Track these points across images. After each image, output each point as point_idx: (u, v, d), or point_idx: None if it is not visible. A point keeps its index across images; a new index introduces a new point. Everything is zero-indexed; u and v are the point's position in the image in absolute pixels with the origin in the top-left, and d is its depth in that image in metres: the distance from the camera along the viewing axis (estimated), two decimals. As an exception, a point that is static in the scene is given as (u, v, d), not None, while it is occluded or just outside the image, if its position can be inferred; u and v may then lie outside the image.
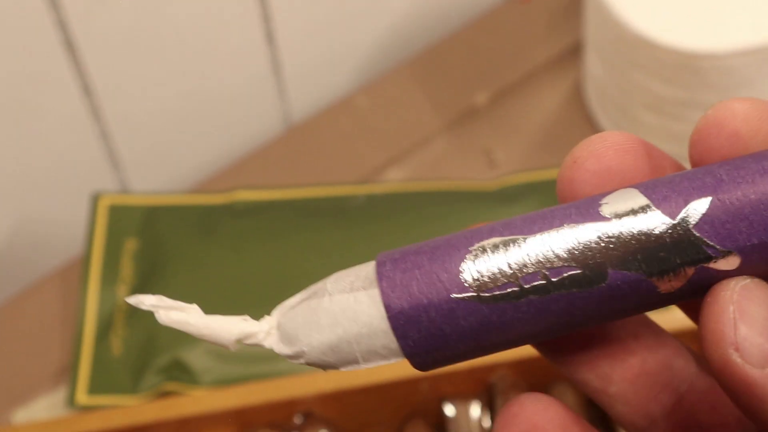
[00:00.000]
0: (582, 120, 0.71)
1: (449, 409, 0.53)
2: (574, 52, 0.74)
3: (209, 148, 0.77)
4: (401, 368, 0.52)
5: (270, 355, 0.60)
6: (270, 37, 0.72)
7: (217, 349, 0.60)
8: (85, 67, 0.67)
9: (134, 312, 0.62)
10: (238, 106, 0.76)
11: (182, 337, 0.61)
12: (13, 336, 0.64)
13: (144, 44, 0.69)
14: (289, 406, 0.53)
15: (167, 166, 0.76)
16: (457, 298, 0.22)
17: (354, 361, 0.23)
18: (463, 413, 0.53)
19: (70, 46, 0.65)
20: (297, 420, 0.53)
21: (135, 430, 0.53)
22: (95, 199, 0.67)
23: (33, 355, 0.63)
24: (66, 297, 0.65)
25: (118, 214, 0.67)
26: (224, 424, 0.53)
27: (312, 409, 0.53)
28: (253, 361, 0.60)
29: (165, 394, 0.60)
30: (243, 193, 0.67)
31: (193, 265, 0.63)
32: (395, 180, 0.70)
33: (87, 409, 0.59)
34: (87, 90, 0.69)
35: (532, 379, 0.52)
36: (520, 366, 0.52)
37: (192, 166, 0.77)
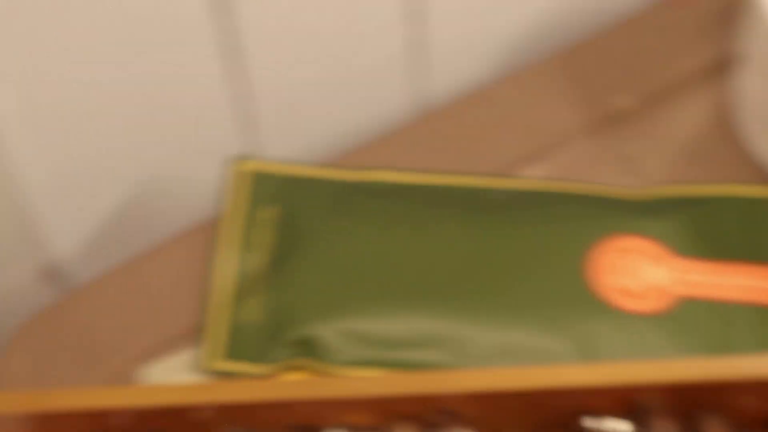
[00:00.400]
0: (730, 138, 0.70)
1: (590, 422, 0.53)
2: (724, 64, 0.72)
3: (343, 123, 0.77)
4: (549, 375, 0.52)
5: (403, 342, 0.60)
6: (419, 15, 0.72)
7: (351, 329, 0.60)
8: (237, 28, 0.67)
9: (273, 280, 0.62)
10: (377, 83, 0.75)
11: (317, 312, 0.61)
12: (142, 292, 0.64)
13: (298, 10, 0.68)
14: (431, 401, 0.53)
15: (299, 137, 0.76)
16: None
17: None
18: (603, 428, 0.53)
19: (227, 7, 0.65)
20: (437, 416, 0.53)
21: (272, 406, 0.53)
22: (235, 163, 0.67)
23: (162, 314, 0.63)
24: (197, 258, 0.65)
25: (257, 179, 0.66)
26: (364, 410, 0.53)
27: (453, 406, 0.53)
28: (386, 346, 0.60)
29: (295, 369, 0.60)
30: (380, 173, 0.67)
31: (329, 240, 0.63)
32: (532, 177, 0.69)
33: (219, 374, 0.60)
34: (235, 51, 0.68)
35: (680, 405, 0.52)
36: (668, 389, 0.52)
37: (324, 139, 0.77)
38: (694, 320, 0.61)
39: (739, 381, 0.51)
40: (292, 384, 0.53)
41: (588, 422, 0.54)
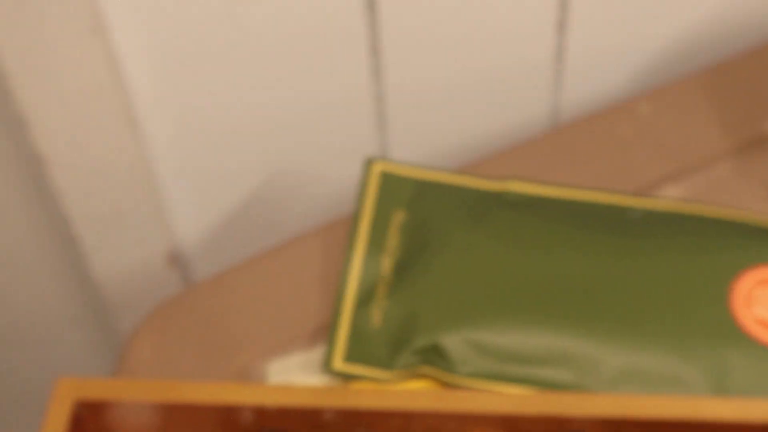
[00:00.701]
0: None
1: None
2: None
3: (473, 130, 0.75)
4: (688, 407, 0.50)
5: (529, 358, 0.59)
6: (563, 24, 0.70)
7: (476, 341, 0.59)
8: (379, 27, 0.66)
9: (398, 285, 0.61)
10: (514, 91, 0.74)
11: (442, 321, 0.60)
12: (272, 286, 0.64)
13: (439, 14, 0.67)
14: (560, 422, 0.51)
15: (429, 141, 0.75)
16: None
17: None
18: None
19: (371, 5, 0.64)
20: (566, 438, 0.52)
21: (398, 414, 0.52)
22: (369, 164, 0.66)
23: (290, 309, 0.63)
24: (326, 255, 0.65)
25: (389, 182, 0.66)
26: (490, 426, 0.52)
27: (581, 429, 0.52)
28: (511, 361, 0.59)
29: (417, 377, 0.59)
30: (515, 183, 0.66)
31: (459, 249, 0.62)
32: (673, 197, 0.67)
33: (339, 375, 0.59)
34: (375, 50, 0.68)
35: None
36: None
37: (453, 145, 0.76)
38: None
39: None
40: (419, 394, 0.52)
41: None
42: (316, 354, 0.61)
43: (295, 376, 0.60)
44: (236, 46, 0.64)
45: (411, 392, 0.52)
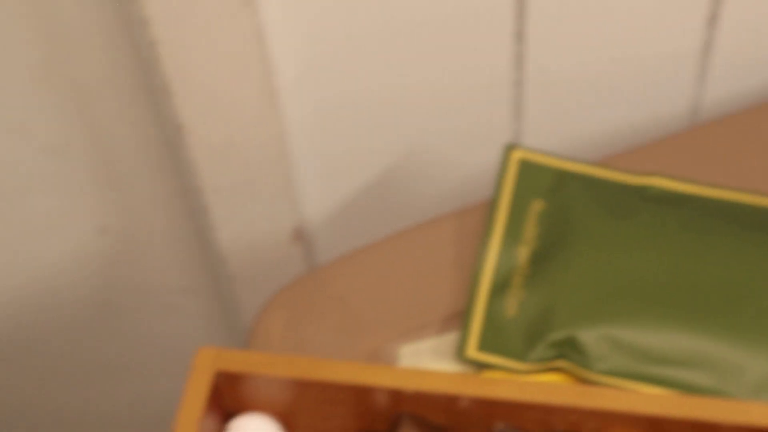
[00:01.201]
0: None
1: None
2: None
3: (610, 123, 0.74)
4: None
5: (670, 358, 0.58)
6: (712, 18, 0.68)
7: (615, 338, 0.58)
8: (527, 13, 0.65)
9: (535, 276, 0.60)
10: (652, 86, 0.72)
11: (580, 316, 0.59)
12: (404, 268, 0.63)
13: (588, 1, 0.66)
14: (706, 429, 0.50)
15: (563, 132, 0.74)
16: None
17: None
18: None
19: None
20: (711, 444, 0.50)
21: (541, 408, 0.51)
22: (508, 150, 0.65)
23: (422, 293, 0.62)
24: (460, 241, 0.64)
25: (528, 170, 0.64)
26: (633, 427, 0.51)
27: (728, 436, 0.50)
28: (651, 360, 0.58)
29: (551, 371, 0.58)
30: (657, 179, 0.64)
31: (599, 242, 0.61)
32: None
33: (471, 363, 0.58)
34: (519, 36, 0.66)
35: None
36: None
37: (588, 137, 0.74)
38: None
39: None
40: (561, 388, 0.51)
41: None
42: (448, 340, 0.60)
43: (426, 362, 0.60)
44: (380, 27, 0.64)
45: (552, 386, 0.51)
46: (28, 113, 0.70)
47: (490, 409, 0.52)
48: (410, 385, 0.52)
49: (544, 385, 0.51)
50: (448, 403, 0.52)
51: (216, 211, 0.72)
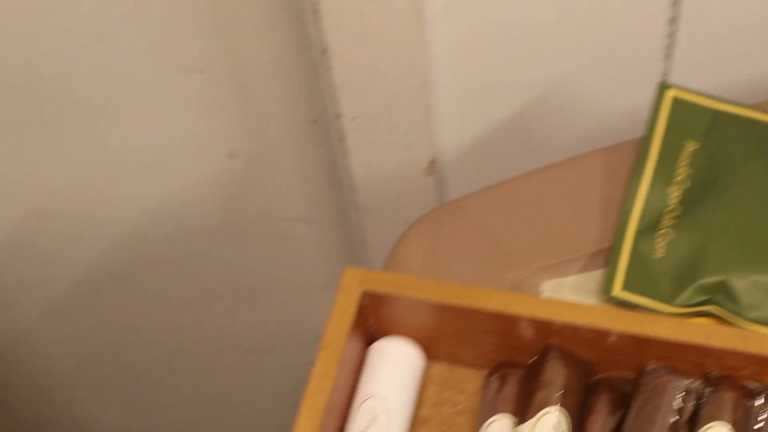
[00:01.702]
0: None
1: None
2: None
3: (765, 66, 0.71)
4: None
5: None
6: None
7: (768, 285, 0.56)
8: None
9: (685, 217, 0.59)
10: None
11: (732, 261, 0.57)
12: (549, 202, 0.62)
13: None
14: None
15: (715, 74, 0.71)
16: None
17: None
18: None
19: None
20: None
21: (698, 349, 0.49)
22: (662, 89, 0.63)
23: (567, 229, 0.61)
24: (609, 177, 0.63)
25: (682, 109, 0.62)
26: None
27: None
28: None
29: (701, 315, 0.57)
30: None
31: (754, 185, 0.59)
32: None
33: (616, 301, 0.57)
34: (680, -29, 0.64)
35: None
36: None
37: (739, 82, 0.72)
38: None
39: None
40: (721, 330, 0.50)
41: None
42: (592, 278, 0.59)
43: (568, 298, 0.58)
44: (539, -47, 0.62)
45: (711, 327, 0.50)
46: (169, 33, 0.70)
47: (642, 347, 0.50)
48: (560, 316, 0.51)
49: (701, 326, 0.50)
50: (598, 337, 0.51)
51: (352, 138, 0.72)
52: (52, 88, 0.73)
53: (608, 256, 0.59)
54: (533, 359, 0.51)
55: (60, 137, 0.77)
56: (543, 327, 0.51)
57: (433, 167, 0.74)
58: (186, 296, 0.93)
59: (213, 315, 0.95)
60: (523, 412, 0.50)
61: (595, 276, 0.59)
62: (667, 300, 0.57)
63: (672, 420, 0.49)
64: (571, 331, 0.51)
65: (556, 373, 0.49)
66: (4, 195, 0.82)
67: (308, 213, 0.84)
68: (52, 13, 0.68)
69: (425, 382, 0.55)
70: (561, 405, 0.49)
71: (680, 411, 0.49)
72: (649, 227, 0.59)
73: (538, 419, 0.49)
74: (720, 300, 0.56)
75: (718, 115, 0.62)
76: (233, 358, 1.01)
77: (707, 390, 0.49)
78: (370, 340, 0.54)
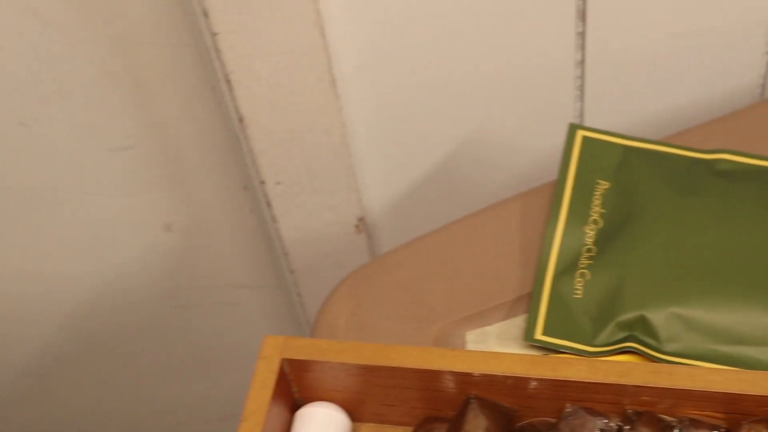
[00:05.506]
0: None
1: None
2: None
3: (676, 101, 0.72)
4: None
5: (743, 337, 0.56)
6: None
7: (686, 316, 0.57)
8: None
9: (601, 256, 0.59)
10: (720, 61, 0.70)
11: (651, 294, 0.57)
12: (468, 253, 0.63)
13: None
14: (784, 404, 0.49)
15: (628, 111, 0.73)
16: None
17: None
18: None
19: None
20: (790, 421, 0.49)
21: (613, 388, 0.50)
22: (572, 129, 0.64)
23: (487, 278, 0.62)
24: (525, 222, 0.63)
25: (593, 148, 0.63)
26: (710, 405, 0.50)
27: (808, 413, 0.49)
28: (723, 340, 0.56)
29: (621, 353, 0.57)
30: (726, 154, 0.62)
31: (667, 219, 0.60)
32: None
33: (543, 347, 0.58)
34: (581, 14, 0.66)
35: None
36: None
37: (652, 115, 0.73)
38: None
39: None
40: (633, 367, 0.50)
41: None
42: (515, 324, 0.59)
43: (493, 347, 0.59)
44: (441, 12, 0.63)
45: (624, 365, 0.50)
46: (93, 113, 0.71)
47: (560, 391, 0.51)
48: (478, 368, 0.51)
49: (615, 365, 0.50)
50: (517, 384, 0.51)
51: (278, 203, 0.72)
52: (-21, 176, 0.74)
53: (530, 301, 0.59)
54: (456, 412, 0.52)
55: (-9, 224, 0.77)
56: (463, 379, 0.51)
57: (362, 225, 0.75)
58: (138, 370, 0.93)
59: (168, 387, 0.95)
60: (451, 465, 0.50)
61: (519, 322, 0.59)
62: (588, 340, 0.57)
63: (596, 460, 0.49)
64: (491, 381, 0.51)
65: (477, 425, 0.50)
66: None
67: (249, 278, 0.84)
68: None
69: (356, 444, 0.55)
70: (487, 455, 0.50)
71: (603, 451, 0.49)
72: (567, 269, 0.60)
73: (466, 471, 0.49)
74: (639, 336, 0.57)
75: (628, 151, 0.63)
76: (194, 429, 1.00)
77: (625, 428, 0.50)
78: (295, 407, 0.54)
